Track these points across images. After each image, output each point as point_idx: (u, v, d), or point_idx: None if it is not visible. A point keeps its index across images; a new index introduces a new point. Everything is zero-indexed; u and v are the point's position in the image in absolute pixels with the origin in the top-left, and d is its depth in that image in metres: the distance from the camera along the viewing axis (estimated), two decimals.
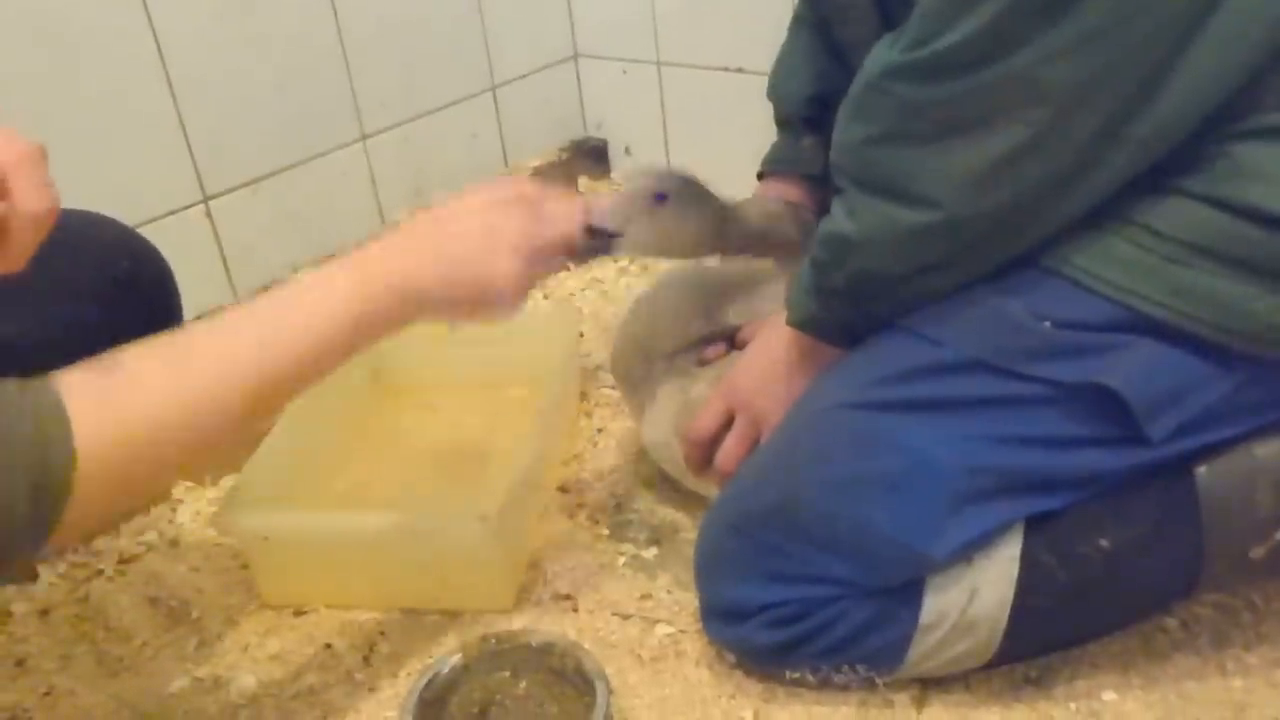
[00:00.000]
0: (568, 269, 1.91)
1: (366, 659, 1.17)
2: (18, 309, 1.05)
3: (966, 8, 0.84)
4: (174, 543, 1.38)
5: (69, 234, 1.14)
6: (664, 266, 1.59)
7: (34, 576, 1.32)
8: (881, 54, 0.93)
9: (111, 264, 1.14)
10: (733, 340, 1.28)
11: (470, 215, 0.97)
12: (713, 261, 1.33)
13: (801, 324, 1.09)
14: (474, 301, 0.98)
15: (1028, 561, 0.98)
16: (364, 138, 1.88)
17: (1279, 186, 0.87)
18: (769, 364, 1.15)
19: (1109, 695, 1.05)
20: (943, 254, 0.95)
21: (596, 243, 1.12)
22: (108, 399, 0.78)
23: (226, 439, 0.86)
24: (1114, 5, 0.82)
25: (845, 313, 1.04)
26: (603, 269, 1.95)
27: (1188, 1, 0.83)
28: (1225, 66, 0.85)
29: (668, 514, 1.35)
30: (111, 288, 1.12)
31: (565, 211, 1.02)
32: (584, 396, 1.59)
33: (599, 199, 1.13)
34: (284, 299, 0.89)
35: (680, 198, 1.17)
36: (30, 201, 0.78)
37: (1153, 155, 0.89)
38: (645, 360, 1.29)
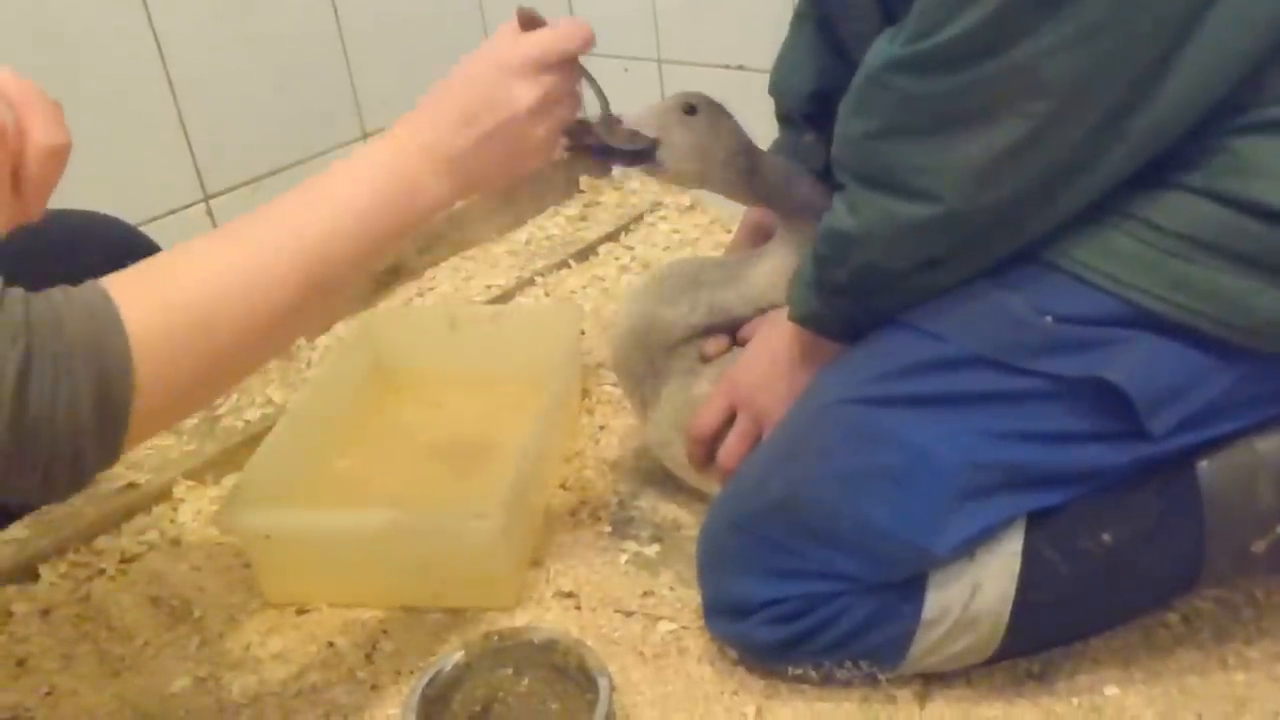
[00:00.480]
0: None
1: (369, 657, 1.17)
2: None
3: (967, 1, 0.84)
4: (175, 542, 1.38)
5: (73, 233, 1.14)
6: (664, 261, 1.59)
7: (35, 576, 1.32)
8: (882, 48, 0.93)
9: (116, 263, 1.14)
10: (734, 336, 1.28)
11: (475, 66, 0.95)
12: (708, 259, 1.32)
13: (803, 320, 1.09)
14: (509, 147, 0.96)
15: (1030, 556, 0.98)
16: (365, 136, 1.89)
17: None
18: (770, 361, 1.15)
19: (1111, 690, 1.05)
20: (944, 248, 0.95)
21: (641, 147, 1.13)
22: (154, 284, 0.77)
23: (285, 319, 0.85)
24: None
25: (847, 308, 1.04)
26: (604, 267, 1.96)
27: None
28: (1225, 58, 0.85)
29: (670, 511, 1.35)
30: None
31: (567, 24, 0.99)
32: (586, 394, 1.59)
33: (631, 110, 1.13)
34: (325, 177, 0.88)
35: (710, 110, 1.18)
36: (47, 137, 0.77)
37: (1153, 149, 0.89)
38: (645, 353, 1.29)
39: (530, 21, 0.98)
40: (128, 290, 0.76)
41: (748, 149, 1.20)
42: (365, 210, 0.88)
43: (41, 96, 0.78)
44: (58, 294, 0.75)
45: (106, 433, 0.75)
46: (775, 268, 1.26)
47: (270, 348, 0.88)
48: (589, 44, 0.99)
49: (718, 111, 1.20)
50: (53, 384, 0.71)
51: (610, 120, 1.14)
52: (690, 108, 1.17)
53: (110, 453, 0.76)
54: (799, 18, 1.34)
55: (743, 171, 1.20)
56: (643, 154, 1.15)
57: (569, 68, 0.99)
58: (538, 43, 0.96)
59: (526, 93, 0.95)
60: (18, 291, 0.73)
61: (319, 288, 0.86)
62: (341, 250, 0.87)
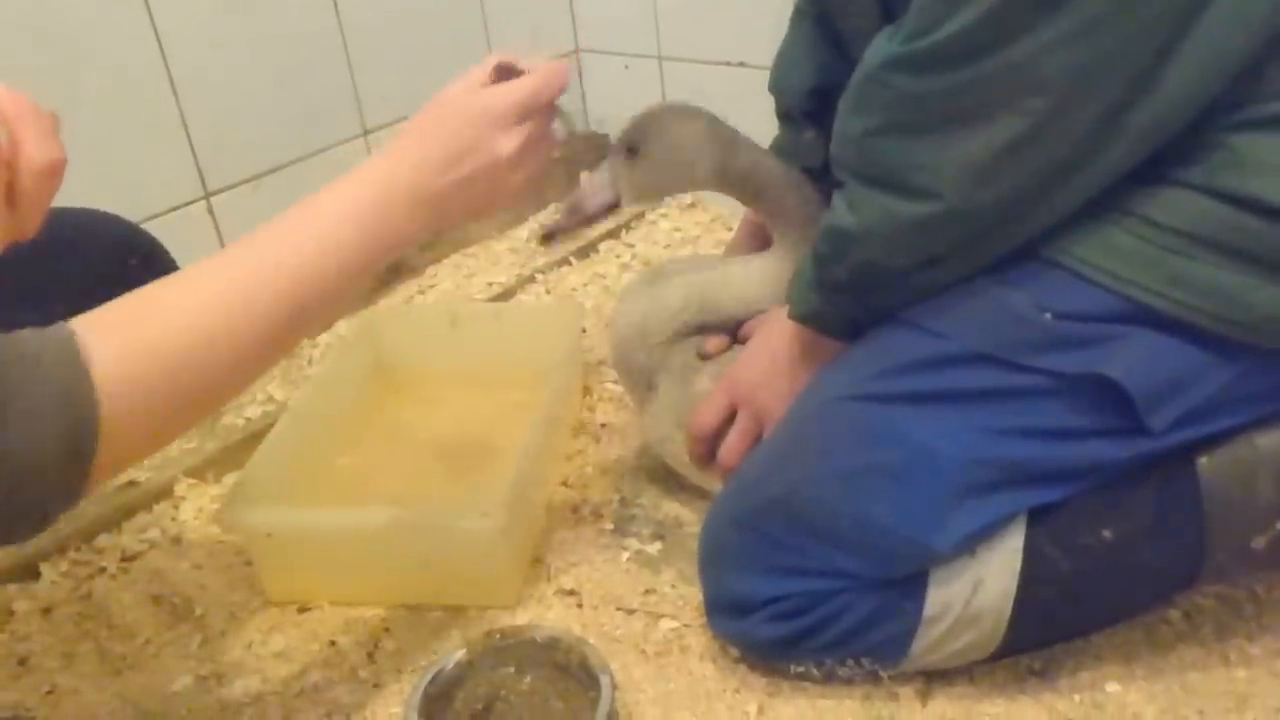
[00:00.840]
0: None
1: (371, 656, 1.17)
2: (25, 306, 1.05)
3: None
4: (177, 540, 1.38)
5: (76, 231, 1.15)
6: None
7: (36, 574, 1.32)
8: (881, 45, 0.93)
9: (119, 261, 1.14)
10: (735, 334, 1.28)
11: (461, 111, 0.96)
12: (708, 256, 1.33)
13: (804, 318, 1.09)
14: (485, 191, 0.98)
15: (1031, 553, 0.98)
16: (365, 133, 1.89)
17: (1279, 177, 0.87)
18: (771, 359, 1.15)
19: (1113, 686, 1.05)
20: (943, 246, 0.95)
21: (608, 204, 1.22)
22: (125, 330, 0.77)
23: (258, 358, 0.85)
24: None
25: (848, 306, 1.04)
26: (605, 265, 1.96)
27: None
28: (1223, 53, 0.85)
29: (671, 508, 1.35)
30: (119, 285, 1.12)
31: (547, 72, 1.00)
32: (587, 391, 1.59)
33: (585, 184, 1.21)
34: (306, 213, 0.89)
35: (649, 140, 1.21)
36: (41, 153, 0.76)
37: (1152, 144, 0.89)
38: (644, 349, 1.29)
39: (508, 71, 1.00)
40: (99, 335, 0.76)
41: (722, 145, 1.22)
42: (346, 248, 0.89)
43: (35, 111, 0.77)
44: (29, 336, 0.75)
45: (70, 479, 0.75)
46: (768, 270, 1.26)
47: (244, 383, 0.88)
48: (566, 86, 1.01)
49: (658, 137, 1.22)
50: (22, 425, 0.71)
51: (572, 207, 1.22)
52: (631, 149, 1.21)
53: (72, 496, 0.77)
54: (798, 14, 1.34)
55: (713, 171, 1.23)
56: (612, 206, 1.24)
57: (547, 112, 1.01)
58: (521, 92, 0.97)
59: (508, 142, 0.97)
60: None
61: (292, 325, 0.87)
62: (320, 288, 0.87)
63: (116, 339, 0.76)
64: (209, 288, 0.81)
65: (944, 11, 0.86)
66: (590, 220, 1.24)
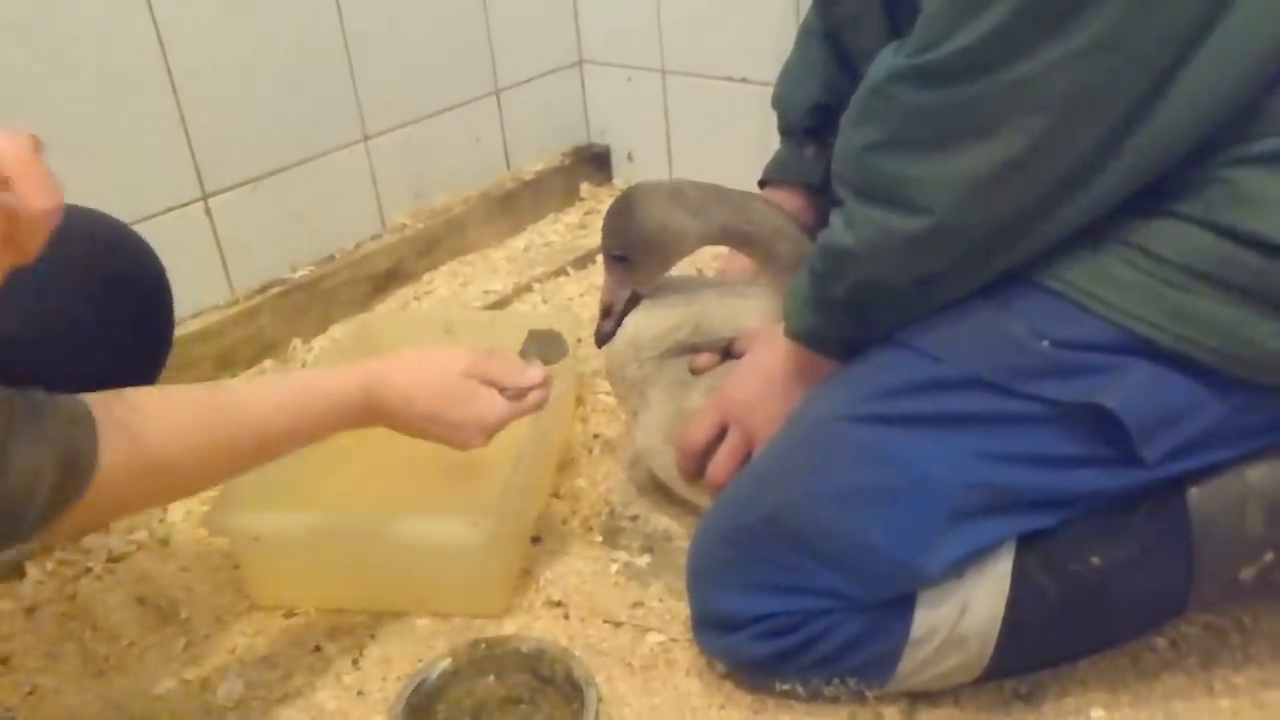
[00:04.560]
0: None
1: (356, 662, 1.17)
2: (10, 305, 1.05)
3: (971, 14, 0.85)
4: (164, 542, 1.38)
5: (64, 231, 1.14)
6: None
7: (21, 574, 1.32)
8: (886, 59, 0.93)
9: (106, 263, 1.14)
10: (727, 349, 1.28)
11: (464, 394, 1.10)
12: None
13: (799, 336, 1.09)
14: (436, 441, 1.12)
15: (1019, 578, 0.98)
16: (366, 139, 1.89)
17: (1279, 214, 0.87)
18: (763, 379, 1.15)
19: (1097, 713, 1.05)
20: (939, 263, 0.95)
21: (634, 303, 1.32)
22: (129, 428, 0.87)
23: (217, 482, 1.05)
24: (1118, 17, 0.82)
25: (845, 324, 1.04)
26: (602, 275, 1.94)
27: (1189, 15, 0.83)
28: (1224, 80, 0.85)
29: (661, 522, 1.34)
30: (105, 286, 1.12)
31: (534, 401, 1.14)
32: (580, 402, 1.59)
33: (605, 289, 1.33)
34: (301, 391, 1.02)
35: (632, 246, 1.27)
36: (40, 199, 0.78)
37: (1151, 170, 0.89)
38: (636, 360, 1.30)
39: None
40: (107, 415, 0.86)
41: (698, 212, 1.26)
42: (319, 429, 1.04)
43: (32, 154, 0.78)
44: (42, 394, 0.84)
45: (48, 516, 0.83)
46: (765, 305, 1.28)
47: (200, 492, 1.13)
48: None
49: (643, 227, 1.26)
50: (30, 450, 0.79)
51: (607, 310, 1.33)
52: (620, 259, 1.29)
53: (38, 533, 0.84)
54: (805, 34, 1.34)
55: (701, 237, 1.28)
56: (632, 299, 1.32)
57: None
58: (511, 413, 1.12)
59: (478, 440, 1.12)
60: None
61: (259, 464, 1.03)
62: (289, 448, 1.03)
63: (123, 429, 0.87)
64: (201, 421, 0.94)
65: (951, 26, 0.86)
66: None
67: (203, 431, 0.93)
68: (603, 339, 1.33)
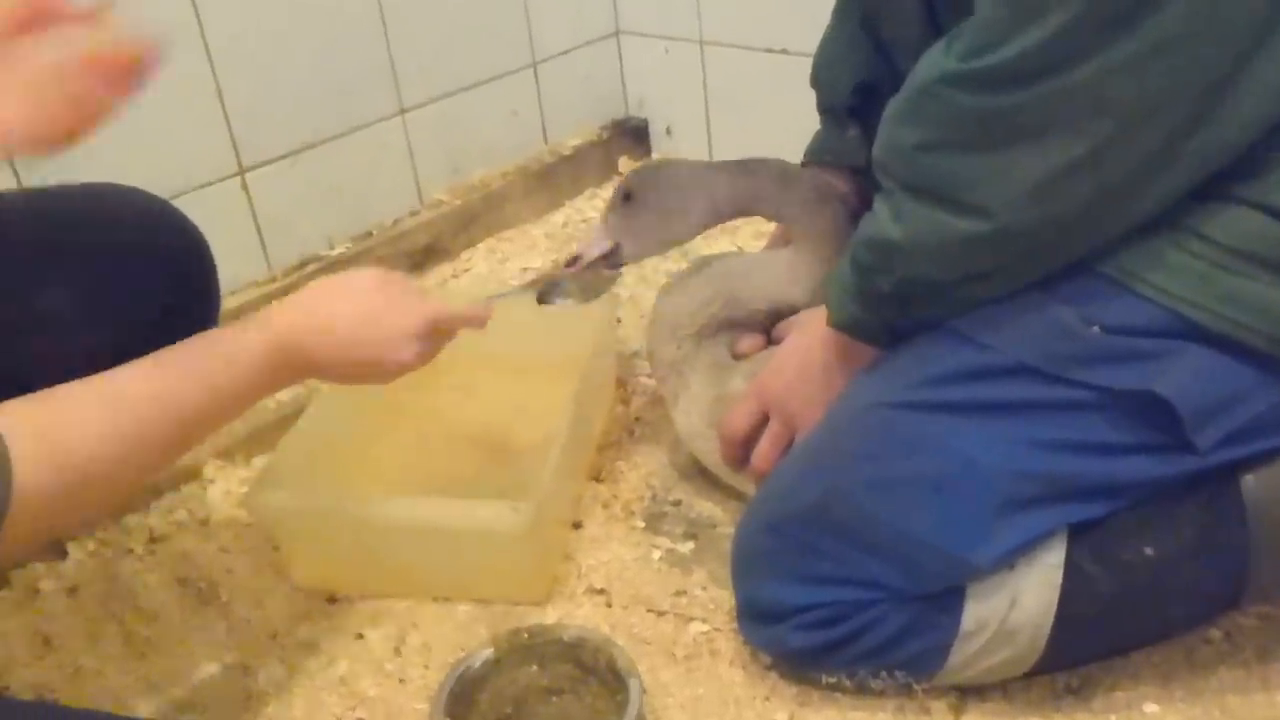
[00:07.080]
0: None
1: (398, 649, 1.17)
2: (59, 282, 1.05)
3: (1030, 19, 0.82)
4: (204, 522, 1.38)
5: (108, 209, 1.14)
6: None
7: (63, 553, 1.32)
8: (936, 60, 0.90)
9: (149, 239, 1.13)
10: (769, 334, 1.27)
11: (383, 314, 1.04)
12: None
13: (843, 325, 1.07)
14: (371, 377, 1.06)
15: (1071, 569, 0.97)
16: (402, 111, 1.87)
17: None
18: (804, 366, 1.13)
19: (1150, 707, 1.03)
20: (991, 262, 0.93)
21: (607, 262, 1.28)
22: (46, 435, 0.82)
23: (150, 473, 0.95)
24: (1182, 19, 0.79)
25: (889, 315, 1.03)
26: None
27: (1250, 17, 0.81)
28: None
29: (705, 508, 1.33)
30: (150, 263, 1.12)
31: (470, 313, 1.12)
32: (621, 384, 1.58)
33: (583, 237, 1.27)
34: (209, 353, 0.96)
35: (644, 185, 1.26)
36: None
37: (1211, 167, 0.87)
38: (674, 340, 1.28)
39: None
40: (22, 435, 0.80)
41: (713, 179, 1.25)
42: (237, 396, 0.97)
43: None
44: None
45: None
46: (791, 265, 1.26)
47: (128, 494, 1.10)
48: (482, 327, 1.14)
49: (654, 182, 1.26)
50: None
51: (572, 258, 1.29)
52: (628, 195, 1.26)
53: None
54: (841, 11, 1.32)
55: (709, 210, 1.26)
56: (610, 256, 1.28)
57: (451, 335, 1.12)
58: (439, 315, 1.07)
59: (409, 350, 1.05)
60: None
61: (186, 447, 0.96)
62: (210, 427, 0.97)
63: (37, 442, 0.81)
64: (124, 405, 0.89)
65: (1009, 30, 0.83)
66: (589, 270, 1.28)
67: (118, 433, 0.89)
68: (549, 287, 1.31)
